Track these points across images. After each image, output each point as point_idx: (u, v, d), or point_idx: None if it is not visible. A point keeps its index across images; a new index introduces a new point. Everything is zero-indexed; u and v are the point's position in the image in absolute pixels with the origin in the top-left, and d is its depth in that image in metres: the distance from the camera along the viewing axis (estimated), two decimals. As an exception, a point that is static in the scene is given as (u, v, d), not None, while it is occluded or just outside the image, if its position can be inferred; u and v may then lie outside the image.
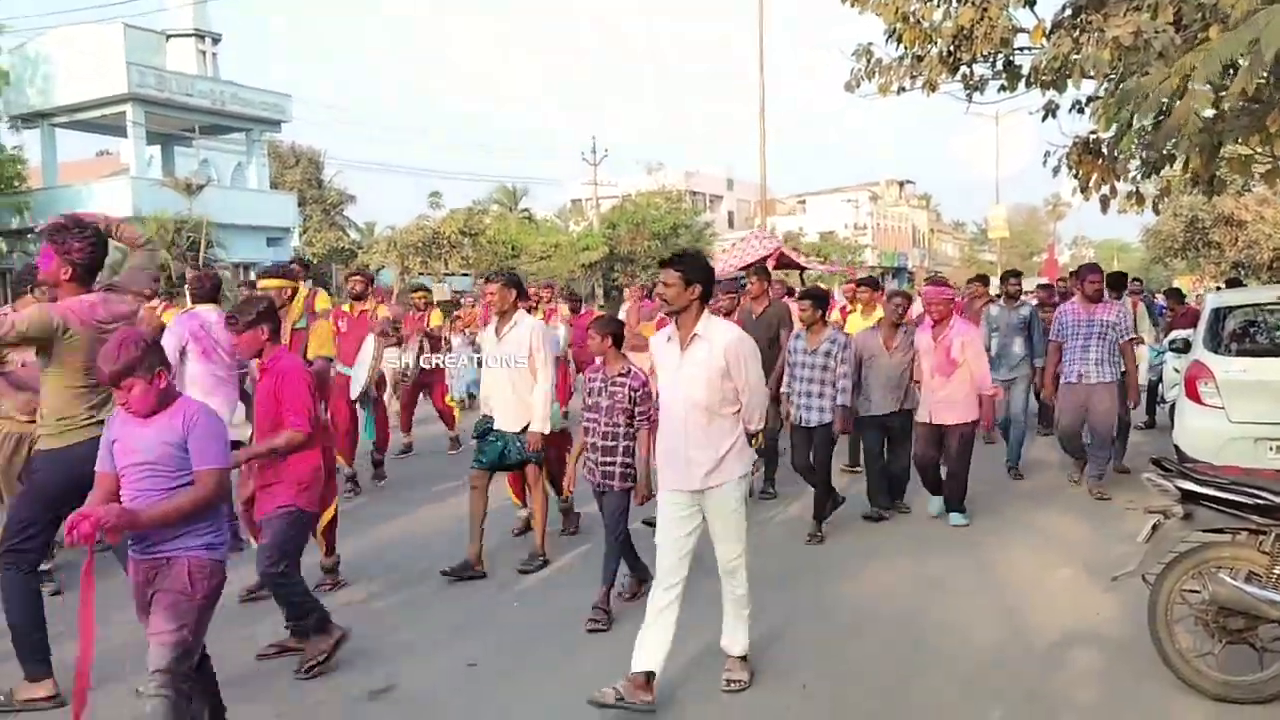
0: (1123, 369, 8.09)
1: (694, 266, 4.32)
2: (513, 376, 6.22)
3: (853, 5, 8.38)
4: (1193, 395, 7.14)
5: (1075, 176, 8.95)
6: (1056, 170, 9.07)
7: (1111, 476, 8.43)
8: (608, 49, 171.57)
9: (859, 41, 8.63)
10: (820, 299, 7.23)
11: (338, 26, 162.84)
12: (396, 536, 7.35)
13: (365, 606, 5.70)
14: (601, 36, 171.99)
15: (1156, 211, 10.94)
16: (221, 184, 34.93)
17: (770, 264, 12.27)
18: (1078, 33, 7.40)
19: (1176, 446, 7.26)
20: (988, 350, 8.53)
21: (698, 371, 4.26)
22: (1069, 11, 7.85)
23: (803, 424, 7.05)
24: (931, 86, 8.35)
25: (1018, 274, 9.75)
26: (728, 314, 8.24)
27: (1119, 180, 8.94)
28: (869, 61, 8.57)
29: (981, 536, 6.95)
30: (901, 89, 8.53)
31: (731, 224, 60.74)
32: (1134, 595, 4.71)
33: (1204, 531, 4.34)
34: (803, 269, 24.62)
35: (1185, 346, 8.25)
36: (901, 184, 72.23)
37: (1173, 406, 9.69)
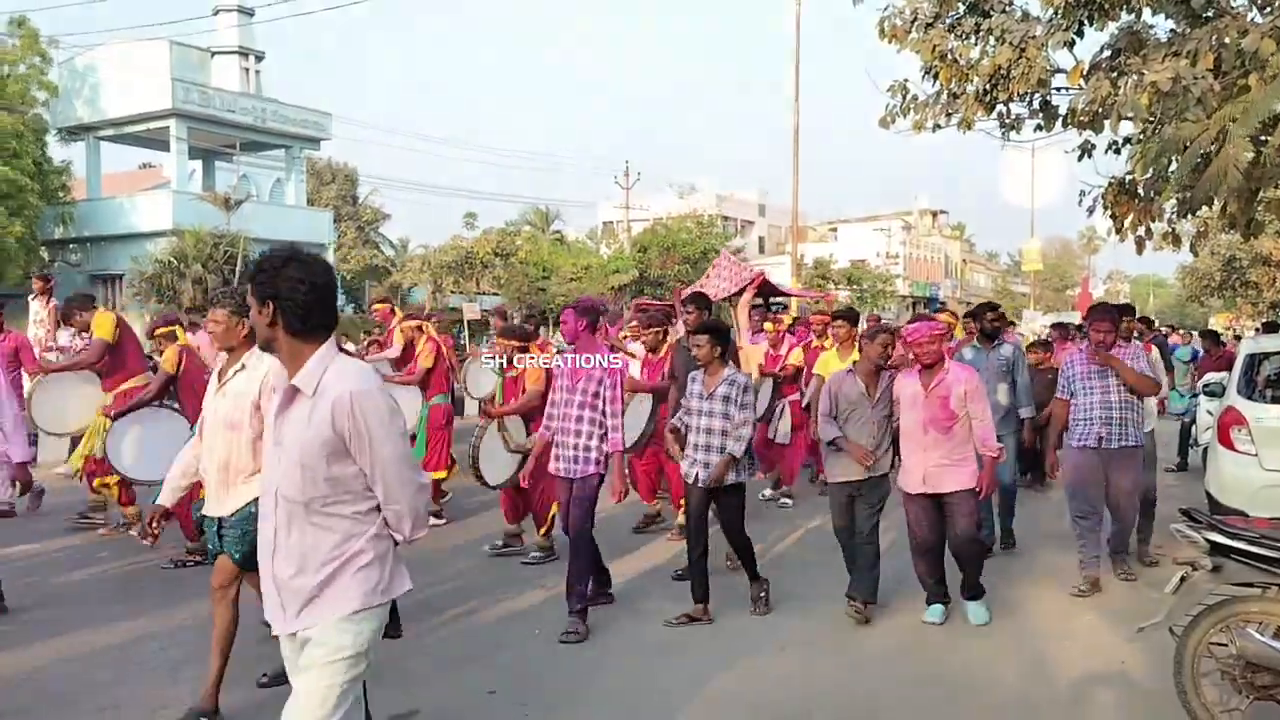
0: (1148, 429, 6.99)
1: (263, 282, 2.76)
2: (231, 447, 4.38)
3: (890, 42, 8.41)
4: (1225, 441, 7.07)
5: (1111, 217, 8.91)
6: (1091, 210, 9.04)
7: (1124, 587, 6.77)
8: (644, 74, 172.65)
9: (894, 78, 8.67)
10: (721, 333, 5.95)
11: (377, 47, 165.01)
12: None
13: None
14: (638, 62, 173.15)
15: (1194, 252, 10.88)
16: (260, 199, 35.41)
17: (750, 293, 11.73)
18: (1116, 75, 7.39)
19: (1208, 492, 7.20)
20: None
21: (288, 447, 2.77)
22: (1107, 54, 7.84)
23: (697, 482, 5.87)
24: (967, 124, 8.35)
25: (995, 307, 7.99)
26: (652, 350, 8.01)
27: (1155, 221, 8.90)
28: (905, 98, 8.59)
29: (1004, 580, 6.90)
30: (937, 126, 8.53)
31: (762, 249, 60.73)
32: (1160, 646, 4.67)
33: (1233, 585, 4.30)
34: (778, 295, 22.82)
35: (1220, 390, 8.15)
36: (935, 214, 71.96)
37: (1205, 450, 9.60)
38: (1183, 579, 4.39)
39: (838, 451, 6.02)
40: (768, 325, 10.07)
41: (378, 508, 2.80)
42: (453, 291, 37.97)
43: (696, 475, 5.88)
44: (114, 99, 31.20)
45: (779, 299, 21.80)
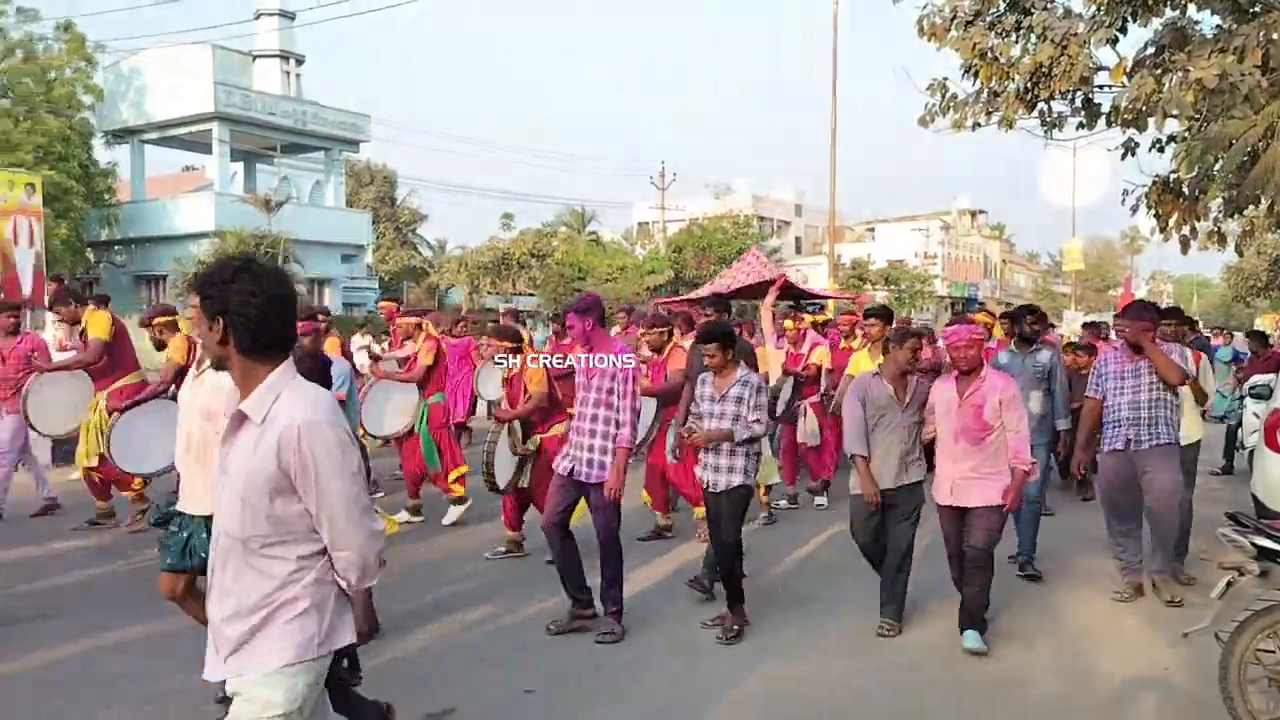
0: (1188, 440, 6.59)
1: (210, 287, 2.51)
2: (207, 436, 4.27)
3: (930, 40, 8.33)
4: (1272, 444, 6.93)
5: (1155, 216, 8.77)
6: (1135, 209, 8.90)
7: (1174, 571, 6.59)
8: (681, 75, 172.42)
9: (933, 76, 8.58)
10: (730, 337, 5.77)
11: (416, 50, 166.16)
12: (426, 566, 7.45)
13: (414, 633, 5.78)
14: (676, 61, 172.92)
15: (1240, 252, 10.67)
16: (300, 201, 35.81)
17: (772, 294, 11.44)
18: (1160, 72, 7.27)
19: (1254, 496, 7.07)
20: None
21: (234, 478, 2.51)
22: (1151, 50, 7.72)
23: (709, 488, 5.77)
24: (1008, 123, 8.24)
25: (1034, 310, 7.54)
26: (656, 351, 7.96)
27: (1200, 220, 8.75)
28: (944, 96, 8.49)
29: (1047, 582, 6.82)
30: (977, 125, 8.43)
31: (799, 250, 60.48)
32: (1205, 651, 4.60)
33: (1281, 590, 4.22)
34: (809, 297, 22.21)
35: (1267, 392, 7.99)
36: (974, 213, 71.29)
37: (1251, 453, 9.42)
38: (1229, 584, 4.32)
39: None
40: (787, 323, 9.86)
41: (324, 550, 2.53)
42: (489, 292, 38.20)
43: (710, 482, 5.74)
44: (158, 102, 31.73)
45: (813, 300, 21.55)
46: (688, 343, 8.09)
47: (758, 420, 5.62)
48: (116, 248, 33.31)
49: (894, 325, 7.99)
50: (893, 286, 47.80)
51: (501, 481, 6.99)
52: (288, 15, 33.80)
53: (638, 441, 7.40)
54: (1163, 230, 8.75)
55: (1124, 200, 8.98)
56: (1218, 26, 7.56)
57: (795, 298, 20.02)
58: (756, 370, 6.94)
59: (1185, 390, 6.55)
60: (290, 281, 2.57)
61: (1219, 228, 9.38)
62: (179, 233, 31.81)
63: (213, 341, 2.49)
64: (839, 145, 27.06)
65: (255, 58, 33.71)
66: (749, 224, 46.85)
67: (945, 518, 5.69)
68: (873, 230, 64.70)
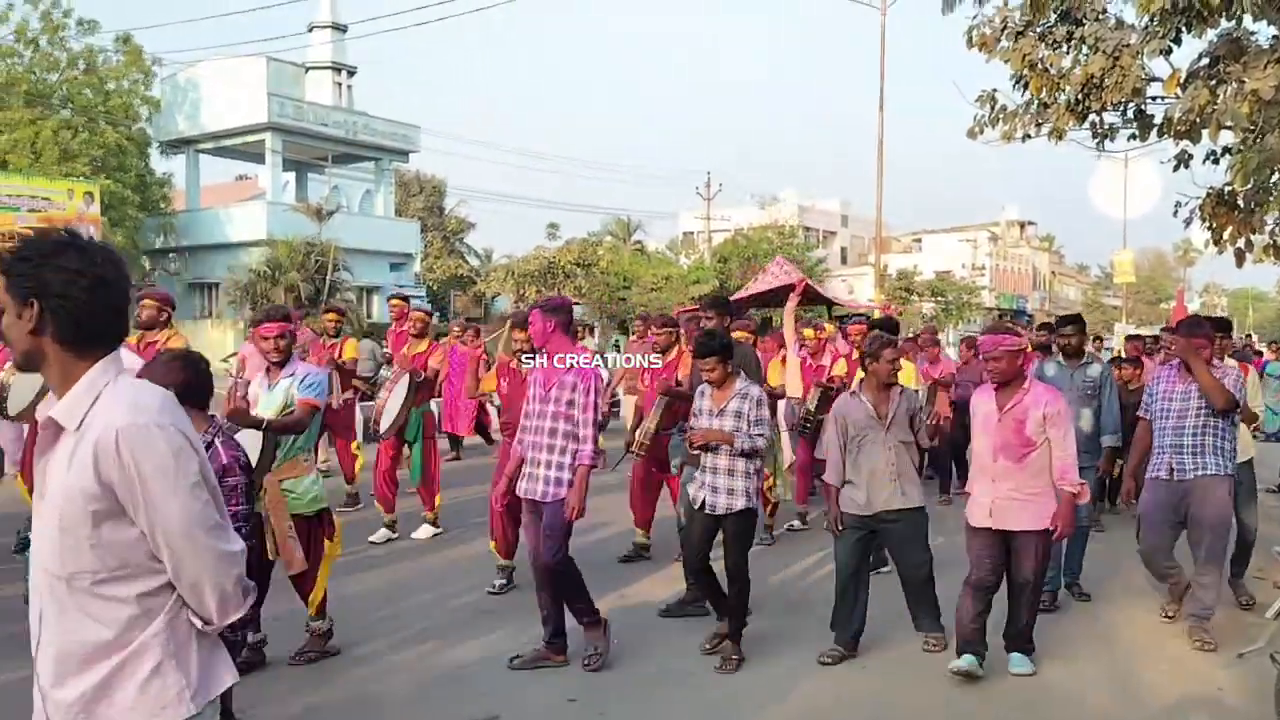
0: (1238, 459, 6.06)
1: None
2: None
3: (979, 50, 8.28)
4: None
5: (1209, 229, 8.63)
6: (1188, 222, 8.77)
7: (1223, 607, 6.07)
8: (730, 85, 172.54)
9: (981, 87, 8.52)
10: (729, 349, 5.38)
11: (465, 61, 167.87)
12: (460, 571, 7.51)
13: (454, 639, 5.84)
14: (724, 72, 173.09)
15: (1296, 266, 10.45)
16: (350, 210, 36.31)
17: (794, 300, 10.99)
18: (1215, 84, 7.17)
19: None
20: None
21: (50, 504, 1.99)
22: (1205, 61, 7.61)
23: (706, 508, 5.33)
24: (1058, 135, 8.16)
25: (1075, 319, 6.99)
26: (662, 351, 7.64)
27: (1255, 233, 8.60)
28: (993, 108, 8.44)
29: (1097, 600, 6.73)
30: (1027, 136, 8.36)
31: (845, 260, 60.19)
32: (1259, 673, 4.53)
33: (1338, 611, 4.14)
34: (830, 303, 21.79)
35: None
36: (1023, 225, 70.46)
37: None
38: (1284, 604, 4.25)
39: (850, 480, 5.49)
40: (807, 332, 9.38)
41: (172, 585, 2.00)
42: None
43: (703, 501, 5.34)
44: (213, 113, 32.37)
45: (859, 312, 21.39)
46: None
47: (760, 434, 5.28)
48: (172, 255, 33.99)
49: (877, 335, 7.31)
50: (939, 298, 47.38)
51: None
52: (340, 28, 34.36)
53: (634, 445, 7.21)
54: (1217, 243, 8.61)
55: (1176, 212, 8.85)
56: (1274, 37, 7.44)
57: (827, 306, 19.64)
58: (760, 380, 6.84)
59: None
60: (123, 265, 2.10)
61: (1275, 240, 9.21)
62: (232, 241, 32.39)
63: (21, 332, 1.95)
64: (886, 155, 26.90)
65: (308, 69, 34.29)
66: (794, 234, 46.75)
67: (980, 542, 5.16)
68: (919, 241, 64.18)
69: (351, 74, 35.35)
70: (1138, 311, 68.43)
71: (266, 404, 5.06)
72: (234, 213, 34.24)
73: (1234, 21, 7.39)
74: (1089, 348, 7.52)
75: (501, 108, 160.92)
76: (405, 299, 9.60)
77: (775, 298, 17.53)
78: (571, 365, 5.07)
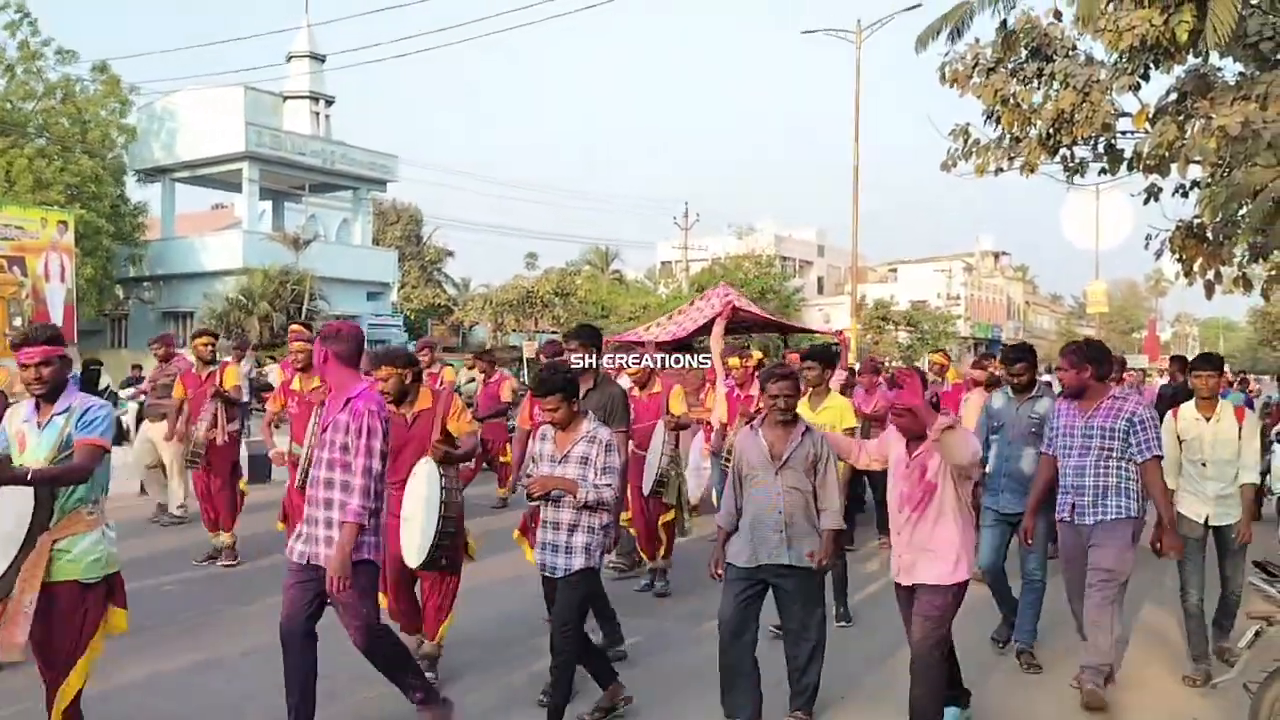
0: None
1: None
2: None
3: (952, 86, 8.41)
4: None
5: (1179, 260, 8.77)
6: (1159, 254, 8.91)
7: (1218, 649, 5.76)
8: (707, 117, 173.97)
9: (955, 121, 8.65)
10: (572, 386, 4.69)
11: (442, 91, 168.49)
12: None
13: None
14: (701, 104, 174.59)
15: (1266, 297, 10.62)
16: (327, 239, 36.26)
17: (721, 324, 10.28)
18: (1183, 119, 7.32)
19: (1282, 544, 6.98)
20: (983, 465, 5.73)
21: None
22: (1174, 97, 7.77)
23: (545, 572, 4.74)
24: (1030, 168, 8.30)
25: (1025, 352, 6.18)
26: (641, 386, 7.40)
27: (1225, 265, 8.73)
28: (966, 142, 8.57)
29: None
30: (999, 170, 8.49)
31: (821, 290, 60.59)
32: (1233, 702, 4.55)
33: (1311, 641, 4.17)
34: (786, 329, 20.25)
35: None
36: (997, 255, 71.22)
37: (1279, 500, 9.33)
38: (1257, 633, 4.30)
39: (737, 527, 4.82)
40: (732, 361, 8.84)
41: None
42: (513, 330, 38.42)
43: (548, 565, 4.69)
44: (189, 142, 32.32)
45: (819, 338, 20.95)
46: (625, 381, 7.67)
47: (608, 484, 4.59)
48: (145, 284, 33.78)
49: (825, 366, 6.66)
50: (914, 328, 47.73)
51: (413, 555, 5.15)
52: (318, 58, 34.43)
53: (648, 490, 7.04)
54: (1187, 275, 8.74)
55: (1147, 244, 8.99)
56: (1240, 74, 7.60)
57: (742, 329, 17.26)
58: (628, 424, 6.21)
59: (1233, 445, 5.67)
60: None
61: (1244, 272, 9.35)
62: (207, 270, 32.24)
63: None
64: (861, 187, 27.15)
65: (286, 99, 34.32)
66: (771, 264, 47.05)
67: (899, 600, 4.65)
68: (895, 271, 64.70)
69: (329, 103, 35.40)
70: (1111, 340, 69.11)
71: (36, 448, 3.92)
72: (209, 241, 34.11)
73: (1201, 58, 7.55)
74: (1049, 378, 7.42)
75: (479, 138, 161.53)
76: (307, 325, 8.86)
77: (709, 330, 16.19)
78: (347, 402, 4.30)
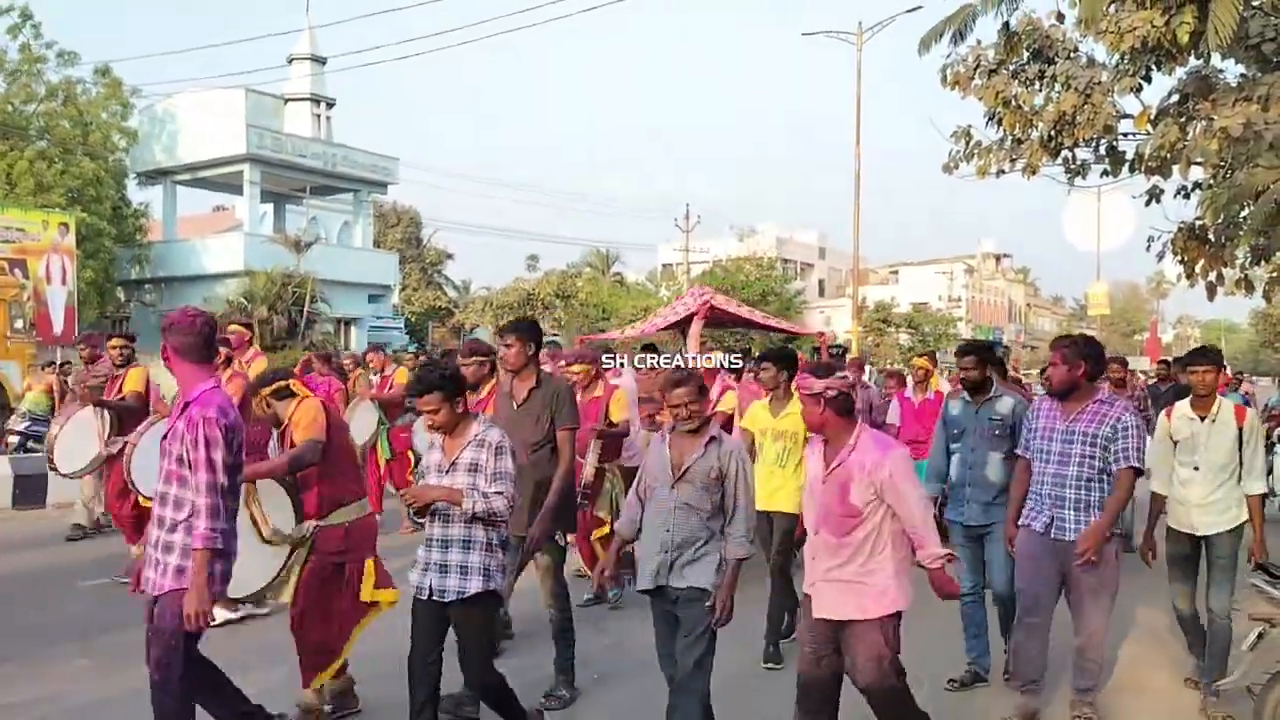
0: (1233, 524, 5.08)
1: None
2: None
3: (953, 88, 8.41)
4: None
5: (1180, 262, 8.76)
6: (1161, 255, 8.90)
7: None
8: (709, 119, 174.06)
9: (957, 123, 8.65)
10: (450, 384, 4.15)
11: (444, 93, 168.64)
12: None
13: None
14: (700, 104, 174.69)
15: (1268, 299, 10.61)
16: (328, 242, 36.27)
17: (699, 322, 9.85)
18: (1184, 121, 7.31)
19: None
20: (945, 477, 5.60)
21: None
22: (1175, 99, 7.76)
23: (433, 594, 4.17)
24: (1032, 170, 8.29)
25: (975, 347, 5.85)
26: (472, 390, 6.16)
27: (1226, 267, 8.73)
28: (968, 144, 8.56)
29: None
30: (1001, 172, 8.49)
31: (822, 292, 60.63)
32: (1236, 704, 4.54)
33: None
34: (768, 329, 19.10)
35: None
36: (999, 257, 71.32)
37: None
38: (1260, 635, 4.29)
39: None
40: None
41: None
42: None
43: (434, 588, 4.15)
44: (191, 144, 32.32)
45: (836, 344, 20.69)
46: (625, 382, 7.46)
47: (499, 493, 4.09)
48: (146, 287, 33.79)
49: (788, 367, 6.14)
50: (914, 330, 47.75)
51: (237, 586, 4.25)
52: (319, 60, 34.46)
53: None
54: (1189, 276, 8.73)
55: (1149, 246, 8.98)
56: (1242, 75, 7.60)
57: (720, 326, 16.51)
58: (577, 423, 5.48)
59: (1229, 449, 5.17)
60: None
61: (1246, 274, 9.34)
62: (208, 272, 32.25)
63: None
64: (863, 189, 27.15)
65: (287, 101, 34.33)
66: (772, 266, 47.09)
67: (803, 626, 4.14)
68: (896, 273, 64.78)
69: (330, 106, 35.41)
70: (1112, 343, 69.13)
71: None
72: (211, 244, 34.11)
73: (1203, 60, 7.55)
74: (1019, 375, 6.85)
75: (480, 140, 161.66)
76: (246, 325, 8.69)
77: (686, 326, 14.63)
78: (186, 407, 3.80)
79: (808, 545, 4.11)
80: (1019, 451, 5.14)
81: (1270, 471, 11.19)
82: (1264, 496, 5.19)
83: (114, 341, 8.26)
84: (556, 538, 5.37)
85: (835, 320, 49.53)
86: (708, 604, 4.05)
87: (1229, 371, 21.07)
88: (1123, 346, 70.01)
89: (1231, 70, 7.82)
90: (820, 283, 61.96)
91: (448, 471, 4.16)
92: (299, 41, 34.46)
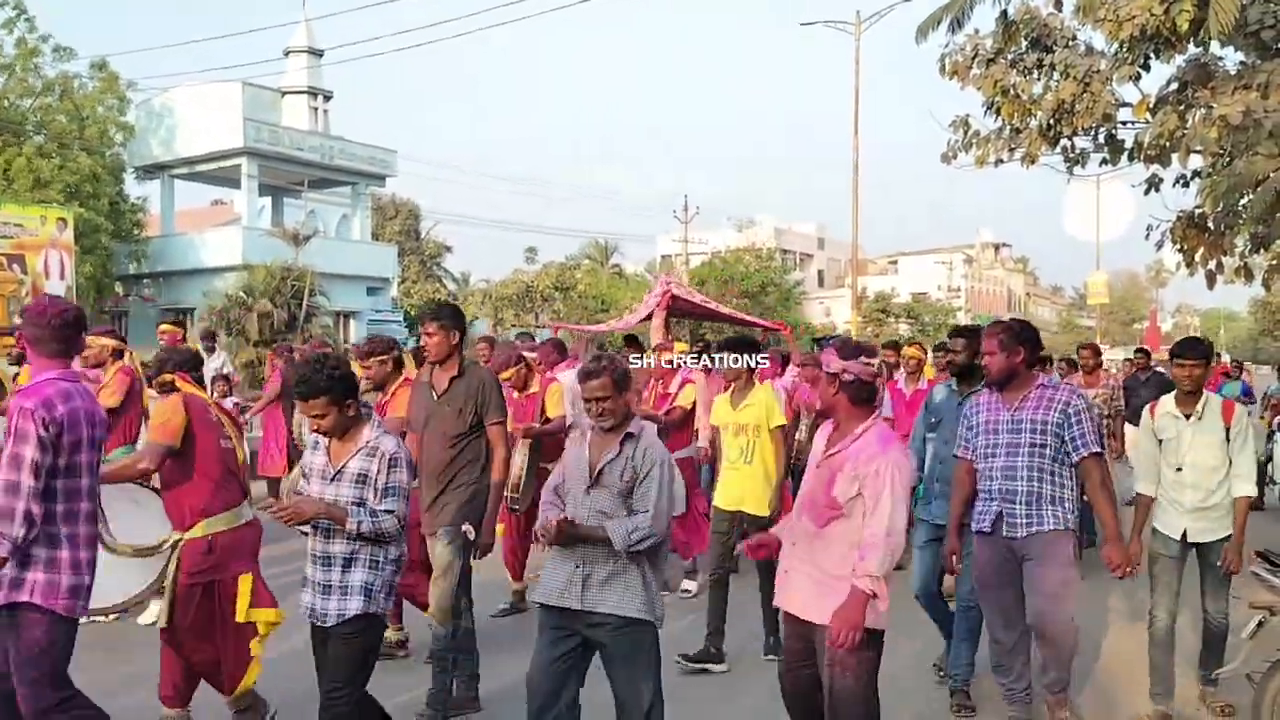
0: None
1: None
2: None
3: (951, 78, 8.40)
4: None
5: (1180, 251, 8.76)
6: (1160, 244, 8.90)
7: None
8: (707, 111, 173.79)
9: (955, 113, 8.64)
10: (337, 383, 3.69)
11: (440, 86, 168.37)
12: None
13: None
14: (699, 96, 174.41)
15: (1267, 287, 10.60)
16: (327, 235, 36.18)
17: (660, 313, 9.54)
18: (1183, 109, 7.30)
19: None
20: (920, 469, 5.25)
21: None
22: (1174, 87, 7.75)
23: (316, 617, 3.79)
24: (1031, 159, 8.29)
25: (968, 331, 5.47)
26: (379, 388, 5.86)
27: (1226, 255, 8.72)
28: (966, 133, 8.56)
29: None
30: (1000, 161, 8.49)
31: (821, 283, 60.60)
32: (1236, 692, 4.55)
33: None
34: (731, 320, 18.01)
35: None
36: (998, 247, 71.29)
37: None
38: (1260, 624, 4.29)
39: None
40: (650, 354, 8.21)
41: None
42: (512, 325, 38.41)
43: (318, 611, 3.77)
44: (188, 138, 32.23)
45: (836, 335, 20.36)
46: (564, 376, 7.20)
47: (389, 511, 3.69)
48: (145, 281, 33.75)
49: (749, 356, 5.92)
50: (914, 320, 47.75)
51: (113, 600, 4.28)
52: (316, 53, 34.35)
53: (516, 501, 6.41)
54: (1188, 265, 8.73)
55: (1148, 235, 8.98)
56: (1241, 63, 7.59)
57: (683, 316, 15.53)
58: (503, 406, 5.02)
59: (1216, 449, 4.85)
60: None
61: (1245, 262, 9.34)
62: (207, 266, 32.19)
63: None
64: (862, 180, 27.12)
65: (284, 94, 34.23)
66: (771, 257, 47.05)
67: (785, 626, 3.89)
68: (895, 263, 64.76)
69: (328, 99, 35.29)
70: (1112, 332, 69.19)
71: None
72: (209, 238, 34.04)
73: (1202, 48, 7.54)
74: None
75: (478, 132, 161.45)
76: (178, 324, 8.54)
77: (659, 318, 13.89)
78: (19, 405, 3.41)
79: (788, 528, 3.87)
80: (958, 453, 4.77)
81: (1270, 459, 11.26)
82: (1250, 500, 4.86)
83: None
84: (465, 530, 4.78)
85: (835, 311, 49.57)
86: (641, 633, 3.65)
87: (1228, 360, 21.14)
88: (1122, 335, 70.03)
89: (1231, 58, 7.82)
90: (819, 273, 61.91)
91: (333, 479, 3.74)
92: (295, 34, 34.34)
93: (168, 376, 4.48)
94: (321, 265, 31.02)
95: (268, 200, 36.69)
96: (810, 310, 50.15)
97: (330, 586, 3.71)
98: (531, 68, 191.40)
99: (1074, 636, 4.56)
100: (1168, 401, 5.04)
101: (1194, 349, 4.98)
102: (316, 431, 3.78)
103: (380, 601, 3.75)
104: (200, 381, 4.81)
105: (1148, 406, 5.23)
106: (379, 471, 3.70)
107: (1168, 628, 4.91)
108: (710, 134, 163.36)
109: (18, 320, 17.74)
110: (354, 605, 3.67)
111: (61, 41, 28.76)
